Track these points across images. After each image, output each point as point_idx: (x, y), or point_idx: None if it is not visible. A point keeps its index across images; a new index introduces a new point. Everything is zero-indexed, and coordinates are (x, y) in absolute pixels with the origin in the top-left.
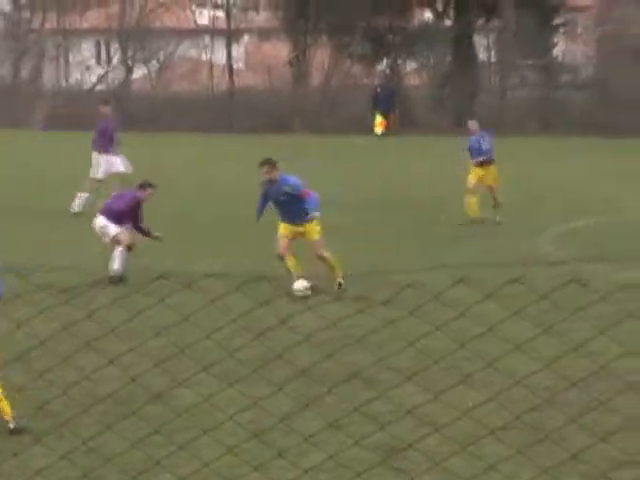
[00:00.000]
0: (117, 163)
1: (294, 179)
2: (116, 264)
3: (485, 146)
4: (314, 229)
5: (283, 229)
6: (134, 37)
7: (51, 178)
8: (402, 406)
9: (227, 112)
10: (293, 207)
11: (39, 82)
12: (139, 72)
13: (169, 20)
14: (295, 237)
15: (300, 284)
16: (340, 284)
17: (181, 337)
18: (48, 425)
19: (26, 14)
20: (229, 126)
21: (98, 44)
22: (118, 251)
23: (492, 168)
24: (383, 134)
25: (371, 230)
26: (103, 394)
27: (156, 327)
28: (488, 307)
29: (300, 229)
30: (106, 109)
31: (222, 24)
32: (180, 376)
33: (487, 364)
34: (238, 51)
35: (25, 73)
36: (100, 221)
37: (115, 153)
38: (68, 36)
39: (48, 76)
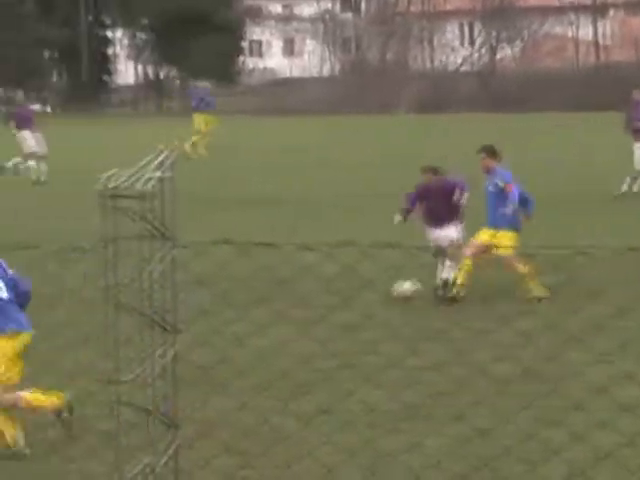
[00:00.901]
0: None
1: (508, 174)
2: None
3: None
4: (506, 240)
5: (481, 234)
6: (498, 17)
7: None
8: None
9: (594, 88)
10: (496, 204)
11: (405, 65)
12: (503, 52)
13: None
14: (484, 249)
15: (406, 286)
16: (539, 298)
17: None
18: (439, 406)
19: None
20: (596, 103)
21: (461, 25)
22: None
23: None
24: None
25: None
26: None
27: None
28: None
29: (494, 237)
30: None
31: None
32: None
33: None
34: (604, 26)
35: (391, 56)
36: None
37: None
38: (433, 19)
39: (414, 59)
